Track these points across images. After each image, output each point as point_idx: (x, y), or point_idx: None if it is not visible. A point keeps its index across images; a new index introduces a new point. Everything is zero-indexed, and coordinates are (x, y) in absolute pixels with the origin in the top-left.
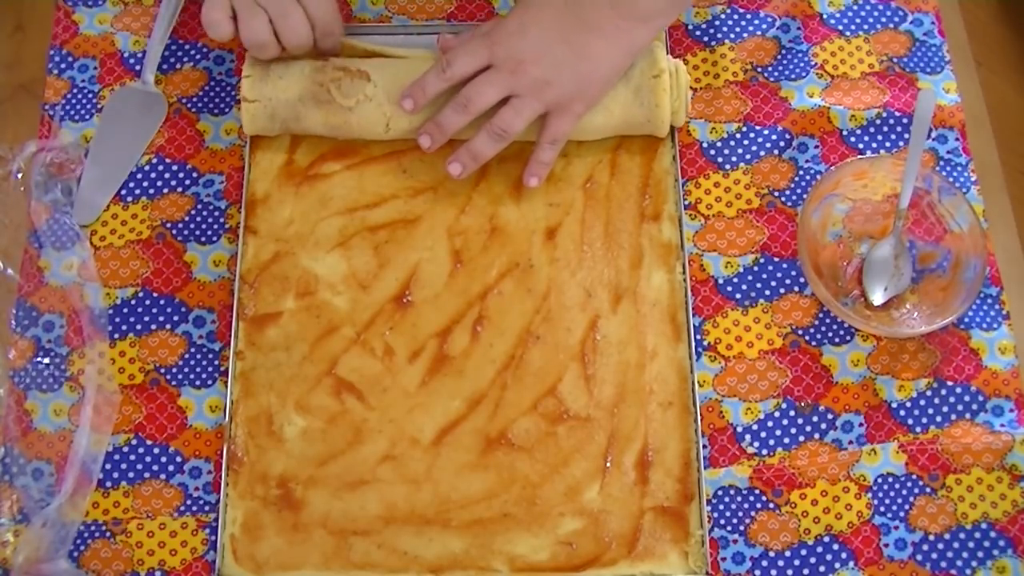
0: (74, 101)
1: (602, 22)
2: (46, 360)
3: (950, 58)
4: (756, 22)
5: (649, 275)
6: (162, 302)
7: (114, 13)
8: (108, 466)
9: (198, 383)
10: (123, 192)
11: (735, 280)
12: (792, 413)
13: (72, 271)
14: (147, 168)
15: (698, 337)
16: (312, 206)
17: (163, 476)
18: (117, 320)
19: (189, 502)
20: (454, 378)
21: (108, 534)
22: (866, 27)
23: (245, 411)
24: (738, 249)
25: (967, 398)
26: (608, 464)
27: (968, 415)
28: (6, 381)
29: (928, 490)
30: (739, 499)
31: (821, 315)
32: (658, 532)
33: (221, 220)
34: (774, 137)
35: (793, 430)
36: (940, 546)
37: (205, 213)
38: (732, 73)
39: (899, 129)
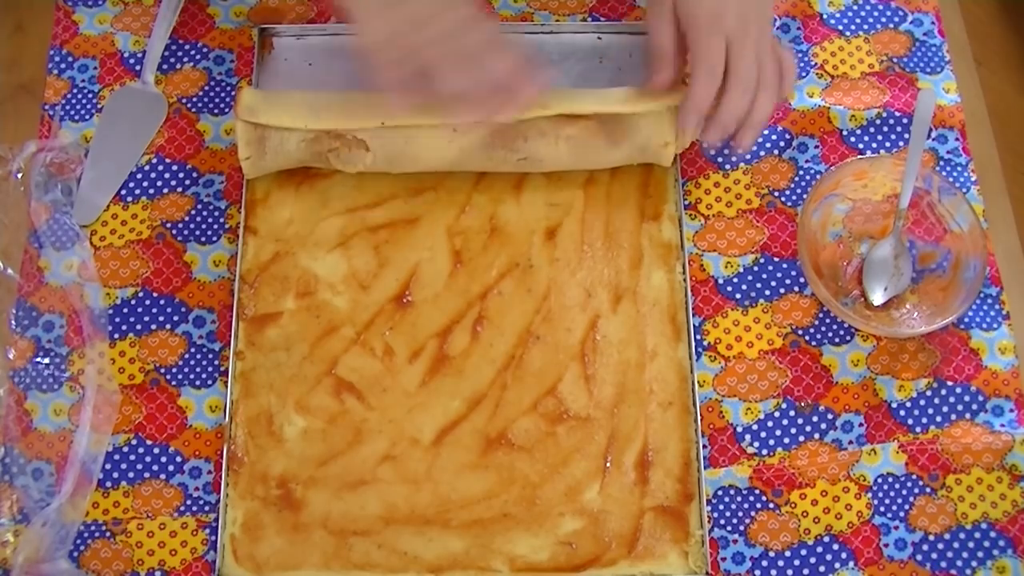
0: (74, 101)
1: None
2: (46, 360)
3: (950, 58)
4: None
5: (649, 275)
6: (162, 302)
7: (114, 13)
8: (108, 466)
9: (198, 383)
10: (123, 192)
11: (735, 280)
12: (792, 413)
13: (72, 271)
14: (147, 168)
15: (698, 337)
16: (312, 206)
17: (163, 476)
18: (117, 320)
19: (189, 502)
20: (454, 378)
21: (108, 534)
22: (866, 27)
23: (245, 411)
24: (738, 249)
25: (967, 398)
26: (608, 464)
27: (968, 415)
28: (6, 381)
29: (928, 490)
30: (739, 499)
31: (821, 315)
32: (658, 532)
33: (221, 220)
34: (774, 137)
35: (793, 430)
36: (940, 546)
37: (205, 213)
38: None
39: (899, 129)
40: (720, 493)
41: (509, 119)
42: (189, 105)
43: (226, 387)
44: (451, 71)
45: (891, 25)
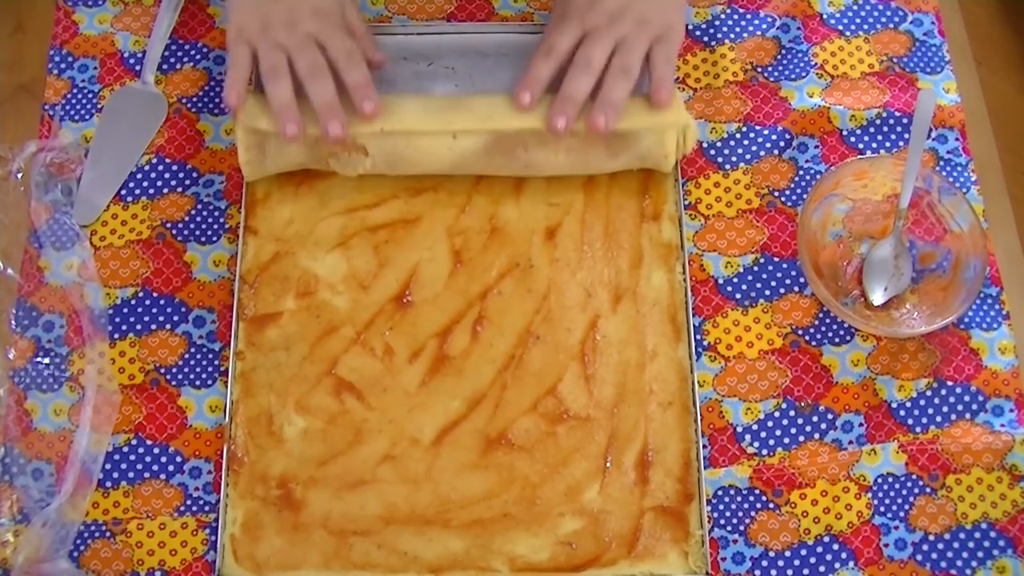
0: (74, 101)
1: None
2: (46, 360)
3: (950, 58)
4: (756, 22)
5: (649, 275)
6: (162, 302)
7: (114, 13)
8: (108, 466)
9: (198, 383)
10: (123, 192)
11: (735, 280)
12: (792, 413)
13: (72, 271)
14: (147, 168)
15: (698, 337)
16: (312, 206)
17: (163, 476)
18: (117, 320)
19: (189, 502)
20: (454, 378)
21: (108, 534)
22: (866, 27)
23: (245, 411)
24: (738, 249)
25: (967, 398)
26: (608, 464)
27: (968, 415)
28: (6, 381)
29: (928, 490)
30: (739, 499)
31: (821, 315)
32: (658, 532)
33: (221, 220)
34: (774, 137)
35: (793, 430)
36: (940, 546)
37: (205, 213)
38: (732, 73)
39: (899, 129)
40: (720, 493)
41: (340, 134)
42: (189, 105)
43: (226, 387)
44: (309, 78)
45: (891, 25)
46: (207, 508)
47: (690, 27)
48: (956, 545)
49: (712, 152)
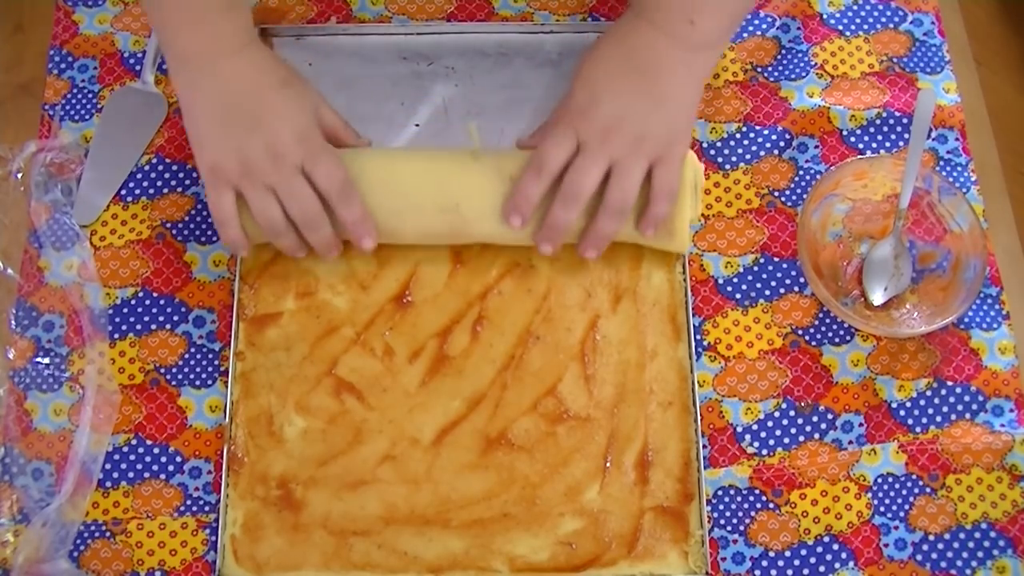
0: (74, 101)
1: (665, 61)
2: (46, 360)
3: (950, 58)
4: (756, 22)
5: (649, 275)
6: (162, 302)
7: (114, 13)
8: (108, 466)
9: (198, 383)
10: (123, 192)
11: (735, 280)
12: (792, 413)
13: (72, 271)
14: (147, 168)
15: (698, 337)
16: None
17: (163, 476)
18: (117, 320)
19: (189, 502)
20: (454, 378)
21: (108, 534)
22: (866, 27)
23: (245, 411)
24: (738, 249)
25: (967, 398)
26: (608, 464)
27: (968, 415)
28: (6, 381)
29: (928, 490)
30: (739, 499)
31: (821, 315)
32: (658, 532)
33: None
34: (774, 137)
35: (793, 430)
36: (940, 546)
37: (205, 213)
38: (732, 73)
39: (899, 129)
40: (720, 493)
41: (336, 255)
42: None
43: (226, 387)
44: (305, 229)
45: (891, 25)
46: (207, 508)
47: None
48: (956, 545)
49: (712, 152)
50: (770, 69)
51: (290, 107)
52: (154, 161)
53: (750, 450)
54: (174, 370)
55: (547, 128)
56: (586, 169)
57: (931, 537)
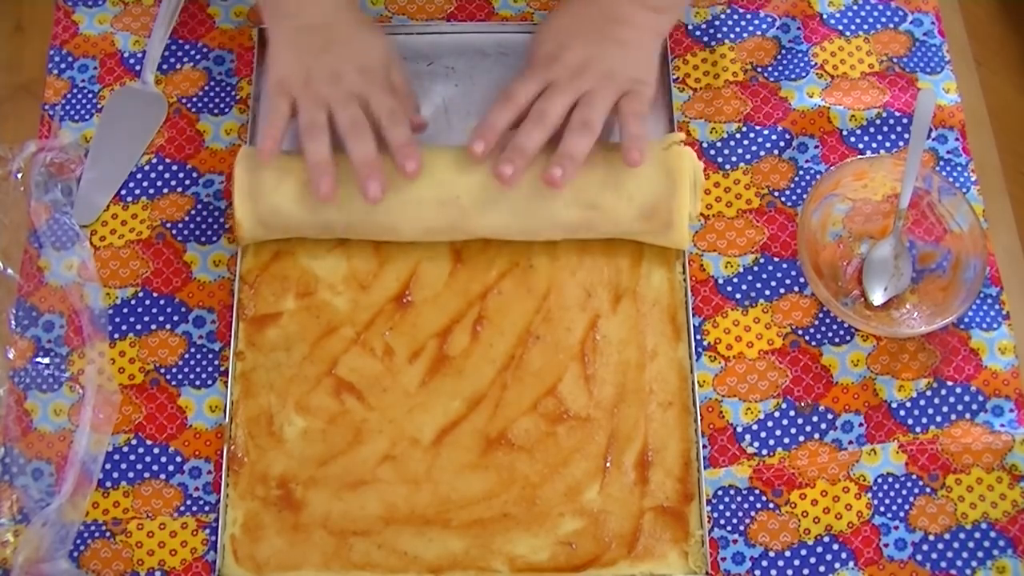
0: (74, 101)
1: (628, 15)
2: (46, 360)
3: (950, 58)
4: (756, 22)
5: (649, 274)
6: (162, 302)
7: (114, 13)
8: (108, 466)
9: (198, 383)
10: (123, 192)
11: (735, 280)
12: (792, 413)
13: (72, 271)
14: (147, 168)
15: (698, 337)
16: None
17: (163, 476)
18: (117, 320)
19: (189, 502)
20: (454, 378)
21: (108, 534)
22: (866, 27)
23: (245, 411)
24: (738, 249)
25: (967, 398)
26: (608, 464)
27: (968, 415)
28: (6, 381)
29: (928, 490)
30: (739, 499)
31: (821, 315)
32: (658, 532)
33: (221, 220)
34: (774, 137)
35: (793, 430)
36: (940, 546)
37: (205, 213)
38: (732, 73)
39: (899, 129)
40: (720, 493)
41: (379, 195)
42: (189, 105)
43: (226, 387)
44: (350, 134)
45: (891, 25)
46: (207, 508)
47: (690, 27)
48: (956, 545)
49: (712, 152)
50: (770, 69)
51: (361, 46)
52: (154, 161)
53: (750, 450)
54: (174, 370)
55: (515, 76)
56: (554, 98)
57: (931, 537)
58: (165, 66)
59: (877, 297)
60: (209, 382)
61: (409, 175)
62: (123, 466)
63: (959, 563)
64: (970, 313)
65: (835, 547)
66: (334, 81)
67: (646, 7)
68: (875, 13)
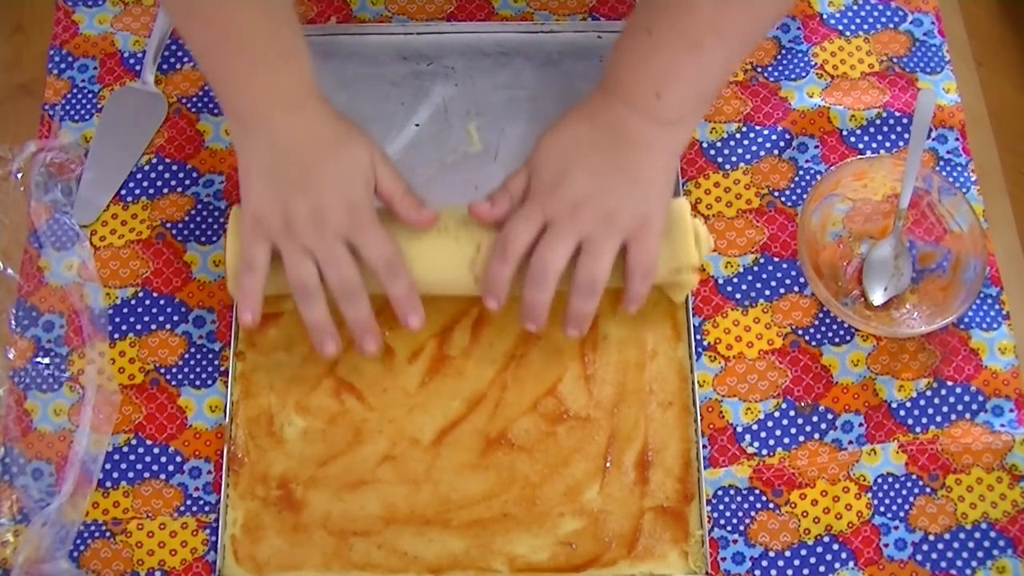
0: (74, 101)
1: (634, 136)
2: (46, 360)
3: (950, 58)
4: None
5: None
6: (162, 302)
7: (114, 13)
8: (108, 466)
9: (198, 383)
10: (123, 192)
11: (735, 280)
12: (792, 413)
13: (72, 271)
14: (147, 168)
15: (698, 337)
16: None
17: (163, 476)
18: (117, 320)
19: (189, 502)
20: (454, 378)
21: (108, 534)
22: (866, 27)
23: (245, 411)
24: (738, 249)
25: (967, 398)
26: (608, 464)
27: (968, 415)
28: (6, 381)
29: (928, 490)
30: (739, 499)
31: (821, 315)
32: (658, 532)
33: (221, 220)
34: (774, 137)
35: (793, 430)
36: (940, 546)
37: (205, 213)
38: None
39: (899, 129)
40: (720, 493)
41: (375, 351)
42: (189, 105)
43: (226, 387)
44: (342, 299)
45: (891, 25)
46: (207, 508)
47: None
48: (956, 545)
49: (712, 152)
50: (770, 69)
51: (342, 171)
52: (154, 161)
53: (750, 450)
54: (174, 370)
55: (517, 205)
56: (553, 247)
57: (931, 537)
58: (165, 66)
59: (877, 297)
60: (209, 382)
61: (412, 328)
62: (123, 466)
63: (959, 563)
64: (970, 313)
65: (835, 547)
66: (318, 226)
67: (657, 121)
68: (875, 13)
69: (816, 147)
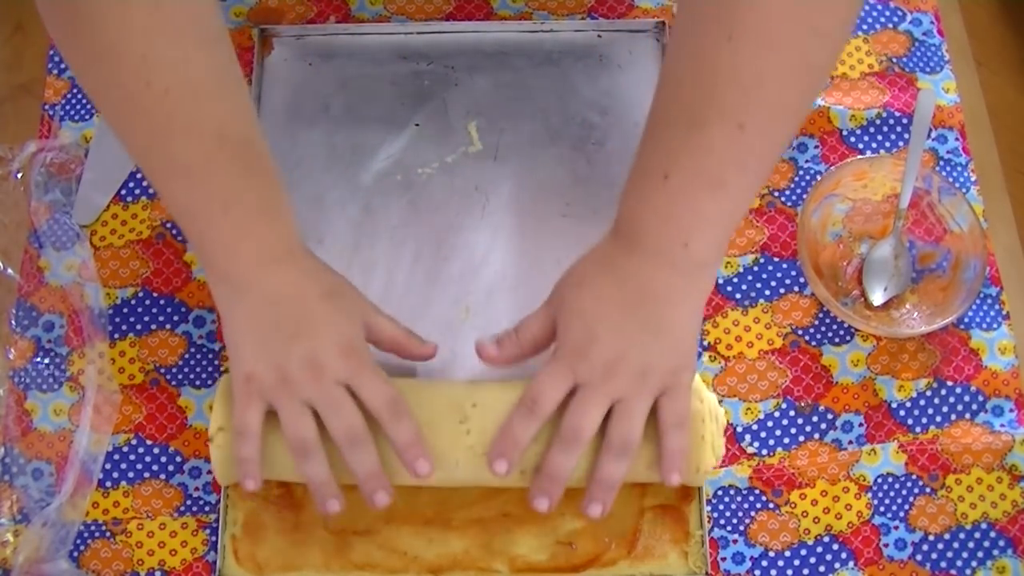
0: (74, 101)
1: (662, 290)
2: (46, 360)
3: (950, 58)
4: None
5: None
6: (162, 302)
7: None
8: (108, 466)
9: (198, 383)
10: (123, 192)
11: (735, 280)
12: (792, 413)
13: (72, 271)
14: None
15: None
16: None
17: (163, 476)
18: (117, 320)
19: (189, 502)
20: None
21: (108, 534)
22: (865, 27)
23: None
24: (738, 249)
25: (967, 398)
26: None
27: (968, 415)
28: (6, 381)
29: (928, 490)
30: (739, 499)
31: (821, 315)
32: (658, 532)
33: None
34: None
35: (793, 430)
36: (940, 546)
37: None
38: None
39: (899, 129)
40: (720, 493)
41: (387, 503)
42: None
43: None
44: (348, 448)
45: (890, 25)
46: (207, 508)
47: None
48: (956, 545)
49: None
50: None
51: (335, 319)
52: None
53: (750, 450)
54: (174, 370)
55: (543, 365)
56: (585, 409)
57: (931, 537)
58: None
59: (877, 297)
60: (209, 382)
61: (421, 476)
62: (123, 466)
63: (959, 563)
64: (970, 313)
65: (835, 547)
66: (315, 375)
67: (685, 271)
68: (874, 13)
69: (816, 147)
